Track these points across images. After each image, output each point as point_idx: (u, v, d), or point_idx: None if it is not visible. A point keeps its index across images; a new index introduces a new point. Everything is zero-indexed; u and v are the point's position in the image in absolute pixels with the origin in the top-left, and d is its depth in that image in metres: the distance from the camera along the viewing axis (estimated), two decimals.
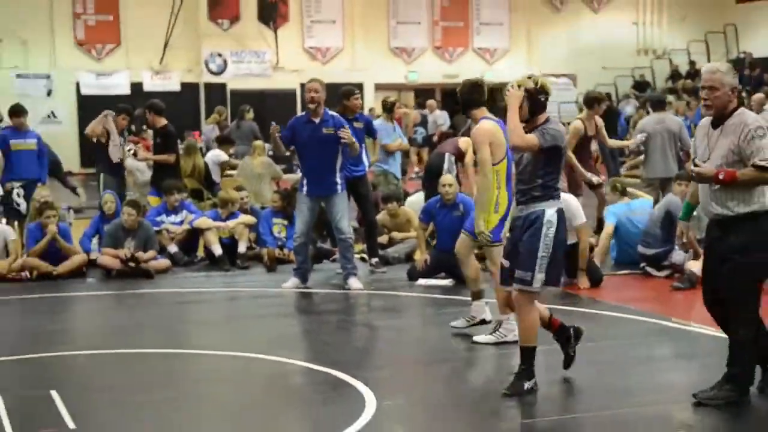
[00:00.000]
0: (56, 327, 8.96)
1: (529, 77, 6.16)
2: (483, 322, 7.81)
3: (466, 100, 7.79)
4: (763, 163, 5.52)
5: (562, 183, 6.89)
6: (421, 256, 10.55)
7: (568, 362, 6.42)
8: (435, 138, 22.28)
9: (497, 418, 5.88)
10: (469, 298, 7.90)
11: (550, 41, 28.62)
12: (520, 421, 5.85)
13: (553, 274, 6.10)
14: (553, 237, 6.00)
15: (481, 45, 27.83)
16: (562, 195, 6.33)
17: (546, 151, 5.97)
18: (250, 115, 18.94)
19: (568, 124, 11.88)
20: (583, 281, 9.77)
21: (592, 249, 10.12)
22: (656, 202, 11.06)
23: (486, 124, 7.35)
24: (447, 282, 10.26)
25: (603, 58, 28.31)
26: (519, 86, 6.02)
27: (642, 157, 12.65)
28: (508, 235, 6.42)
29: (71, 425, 5.62)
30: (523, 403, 5.99)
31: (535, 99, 6.03)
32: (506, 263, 6.22)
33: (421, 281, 10.31)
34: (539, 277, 6.00)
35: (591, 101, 11.55)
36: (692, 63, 28.04)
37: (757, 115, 6.64)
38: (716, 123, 5.75)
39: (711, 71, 5.79)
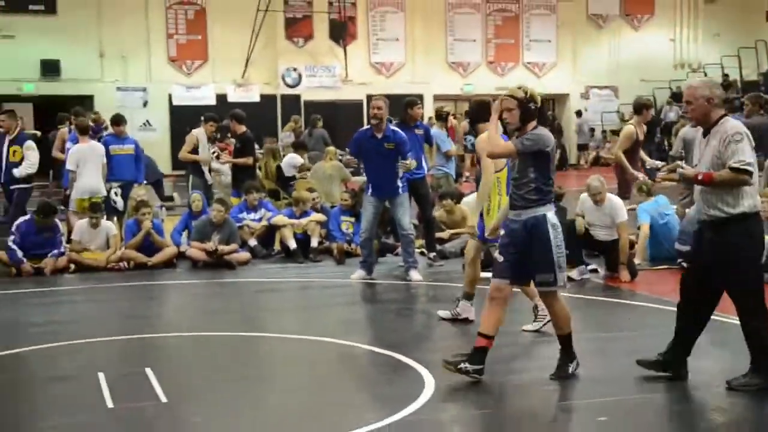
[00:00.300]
0: (150, 312, 9.09)
1: (519, 87, 6.01)
2: (466, 320, 7.76)
3: (473, 116, 7.84)
4: (736, 165, 5.47)
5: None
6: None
7: (557, 374, 6.06)
8: None
9: (548, 400, 5.81)
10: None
11: (594, 56, 28.36)
12: (571, 402, 5.80)
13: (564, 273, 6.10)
14: (561, 237, 5.93)
15: (531, 60, 27.64)
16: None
17: (531, 156, 5.81)
18: (321, 123, 19.05)
19: (612, 131, 11.79)
20: (624, 275, 9.60)
21: (632, 245, 9.99)
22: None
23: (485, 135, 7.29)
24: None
25: (642, 71, 27.94)
26: (511, 96, 5.91)
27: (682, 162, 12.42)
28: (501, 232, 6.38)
29: (164, 399, 5.68)
30: (569, 386, 5.93)
31: (526, 107, 5.86)
32: (500, 258, 5.99)
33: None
34: (561, 276, 5.95)
35: (640, 107, 11.24)
36: (725, 76, 27.48)
37: None
38: (705, 132, 5.74)
39: (687, 87, 5.88)
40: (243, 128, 12.79)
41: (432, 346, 7.37)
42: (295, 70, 25.26)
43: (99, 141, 12.43)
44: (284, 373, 6.59)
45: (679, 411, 5.60)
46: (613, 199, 9.74)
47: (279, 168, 14.89)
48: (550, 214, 5.87)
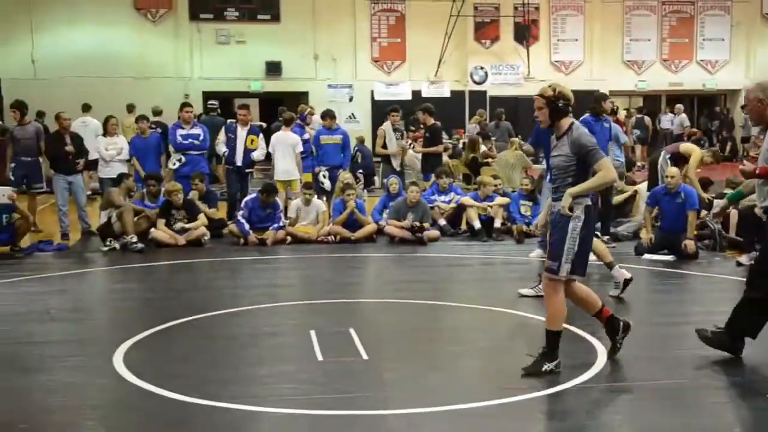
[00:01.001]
0: (353, 279, 9.31)
1: (550, 86, 5.48)
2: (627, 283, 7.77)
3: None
4: None
5: None
6: (647, 235, 10.14)
7: (612, 351, 5.73)
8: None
9: (716, 375, 5.54)
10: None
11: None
12: (740, 378, 5.49)
13: (578, 264, 5.40)
14: (579, 231, 5.32)
15: (704, 57, 26.21)
16: None
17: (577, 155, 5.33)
18: (504, 117, 18.97)
19: None
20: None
21: None
22: None
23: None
24: (669, 257, 9.80)
25: None
26: (540, 95, 5.41)
27: None
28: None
29: (365, 356, 5.81)
30: (736, 362, 5.61)
31: (555, 106, 5.34)
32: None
33: (647, 256, 9.90)
34: (566, 267, 5.34)
35: None
36: None
37: None
38: (761, 130, 5.64)
39: (745, 90, 5.80)
40: (432, 120, 12.88)
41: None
42: (482, 68, 25.10)
43: (303, 126, 12.91)
44: (467, 338, 6.58)
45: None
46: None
47: (475, 157, 14.94)
48: (579, 207, 5.30)
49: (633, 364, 5.75)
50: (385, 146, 13.16)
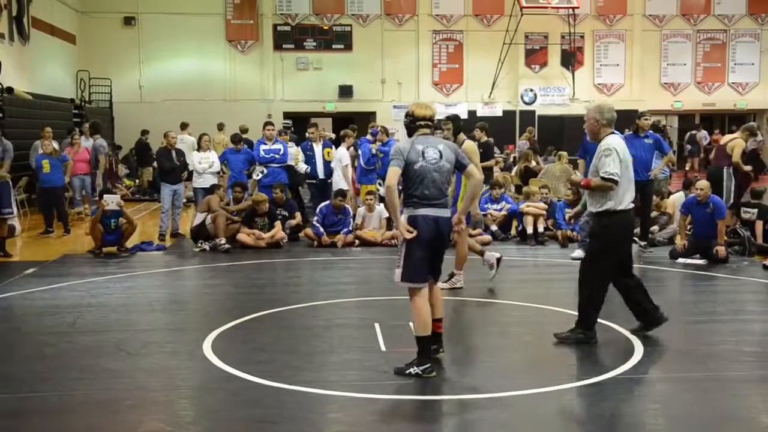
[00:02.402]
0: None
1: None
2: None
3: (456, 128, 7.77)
4: (603, 175, 5.64)
5: None
6: (681, 241, 9.88)
7: (397, 368, 5.17)
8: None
9: (740, 369, 5.35)
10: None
11: None
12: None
13: (406, 272, 5.09)
14: (406, 240, 5.04)
15: (735, 80, 25.47)
16: None
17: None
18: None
19: None
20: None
21: None
22: None
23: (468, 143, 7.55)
24: (701, 261, 9.52)
25: None
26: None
27: None
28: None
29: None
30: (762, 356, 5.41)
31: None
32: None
33: (680, 260, 9.65)
34: (397, 272, 5.12)
35: None
36: None
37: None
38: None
39: (586, 110, 6.10)
40: (485, 137, 12.76)
41: None
42: (531, 90, 24.84)
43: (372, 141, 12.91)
44: (516, 332, 6.50)
45: None
46: None
47: (527, 168, 14.81)
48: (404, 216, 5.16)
49: (667, 358, 5.61)
50: None
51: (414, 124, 5.38)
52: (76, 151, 14.27)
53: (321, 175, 12.21)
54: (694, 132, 24.81)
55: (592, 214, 5.93)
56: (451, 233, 5.32)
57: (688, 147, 23.90)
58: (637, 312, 6.09)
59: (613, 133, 5.86)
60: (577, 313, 5.97)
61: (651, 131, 10.52)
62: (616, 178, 5.63)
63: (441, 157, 5.23)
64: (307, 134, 12.64)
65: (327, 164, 12.20)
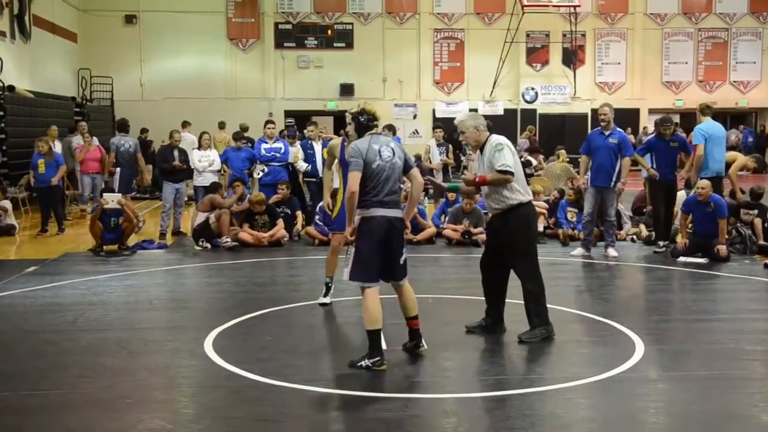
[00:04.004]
0: (415, 277, 9.10)
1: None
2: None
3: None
4: (499, 168, 5.72)
5: None
6: (682, 239, 9.87)
7: (351, 361, 5.24)
8: None
9: (748, 369, 5.35)
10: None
11: None
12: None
13: (355, 271, 5.17)
14: (356, 241, 5.18)
15: (736, 78, 25.48)
16: None
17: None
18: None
19: None
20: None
21: None
22: None
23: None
24: (702, 260, 9.51)
25: None
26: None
27: None
28: None
29: (424, 345, 5.72)
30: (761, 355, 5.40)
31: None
32: None
33: (681, 258, 9.64)
34: (346, 270, 5.21)
35: None
36: None
37: None
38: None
39: (459, 123, 6.08)
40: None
41: (642, 316, 6.99)
42: (533, 89, 24.85)
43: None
44: (518, 330, 6.48)
45: None
46: None
47: (528, 161, 14.83)
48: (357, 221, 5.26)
49: (668, 356, 5.61)
50: (430, 160, 13.20)
51: (370, 122, 5.41)
52: (87, 149, 14.29)
53: (321, 173, 12.19)
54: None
55: (501, 212, 5.87)
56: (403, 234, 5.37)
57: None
58: (492, 301, 6.11)
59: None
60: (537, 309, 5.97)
61: (677, 133, 10.86)
62: (511, 169, 5.73)
63: (394, 154, 5.31)
64: (305, 132, 12.64)
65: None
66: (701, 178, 9.97)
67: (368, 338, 5.18)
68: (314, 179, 12.29)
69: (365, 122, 5.40)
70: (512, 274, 6.10)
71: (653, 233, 10.95)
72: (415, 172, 5.44)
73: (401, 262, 5.35)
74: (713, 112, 10.83)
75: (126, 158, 13.76)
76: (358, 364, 5.13)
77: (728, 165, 11.00)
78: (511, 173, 5.75)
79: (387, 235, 5.19)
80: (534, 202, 11.32)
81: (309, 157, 12.19)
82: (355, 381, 5.00)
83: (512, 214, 5.87)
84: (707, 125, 10.52)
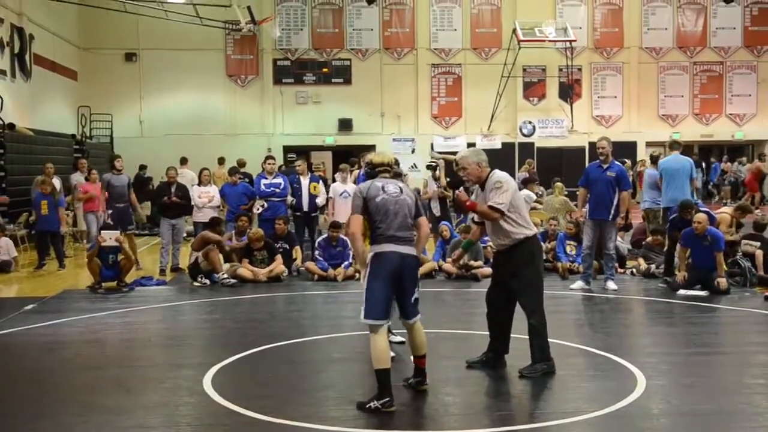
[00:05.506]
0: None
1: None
2: None
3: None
4: (492, 204, 5.83)
5: None
6: (681, 272, 9.86)
7: (359, 404, 5.15)
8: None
9: (751, 403, 5.31)
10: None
11: None
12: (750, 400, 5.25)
13: (368, 308, 5.07)
14: (367, 278, 5.13)
15: (732, 111, 25.66)
16: None
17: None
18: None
19: None
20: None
21: None
22: None
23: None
24: (702, 293, 9.50)
25: None
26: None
27: None
28: None
29: (428, 381, 5.68)
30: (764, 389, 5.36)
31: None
32: None
33: (681, 291, 9.63)
34: (361, 309, 5.12)
35: None
36: None
37: None
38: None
39: (461, 159, 6.13)
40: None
41: (642, 350, 6.96)
42: (530, 122, 25.00)
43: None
44: (519, 364, 6.45)
45: None
46: None
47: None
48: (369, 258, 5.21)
49: (671, 390, 5.58)
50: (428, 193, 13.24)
51: (374, 170, 5.46)
52: (94, 186, 14.33)
53: (305, 208, 12.21)
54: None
55: (507, 247, 5.94)
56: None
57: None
58: (497, 336, 6.14)
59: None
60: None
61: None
62: (503, 209, 5.82)
63: (401, 192, 5.32)
64: (295, 166, 12.77)
65: (312, 198, 12.20)
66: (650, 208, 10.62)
67: (377, 379, 5.09)
68: (299, 213, 12.29)
69: (370, 172, 5.48)
70: (517, 308, 6.11)
71: (652, 266, 10.97)
72: (423, 221, 5.45)
73: (413, 300, 5.30)
74: (681, 147, 11.70)
75: (119, 194, 13.79)
76: (367, 405, 5.06)
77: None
78: (501, 212, 5.83)
79: (398, 271, 5.14)
80: None
81: (294, 192, 12.19)
82: (356, 418, 4.97)
83: (518, 248, 5.95)
84: (665, 160, 11.51)
